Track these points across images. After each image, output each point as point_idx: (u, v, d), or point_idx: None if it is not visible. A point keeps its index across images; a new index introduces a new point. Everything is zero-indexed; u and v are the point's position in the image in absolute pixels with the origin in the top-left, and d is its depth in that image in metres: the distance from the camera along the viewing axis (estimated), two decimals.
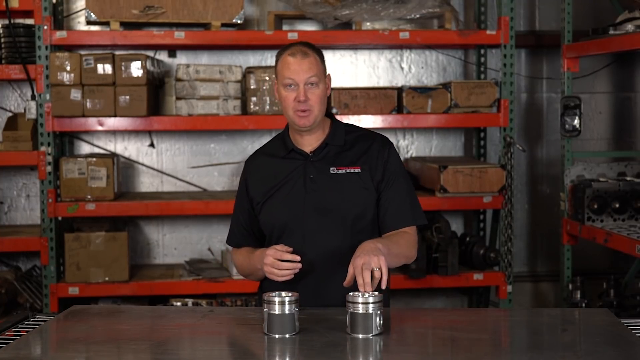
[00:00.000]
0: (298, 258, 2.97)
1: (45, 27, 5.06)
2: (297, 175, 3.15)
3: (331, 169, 3.15)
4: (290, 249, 3.00)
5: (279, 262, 2.97)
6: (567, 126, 5.24)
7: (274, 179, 3.17)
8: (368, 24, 5.36)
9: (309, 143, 3.18)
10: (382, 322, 2.68)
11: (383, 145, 3.21)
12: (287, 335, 2.69)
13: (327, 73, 3.19)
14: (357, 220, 3.12)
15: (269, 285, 3.08)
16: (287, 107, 3.11)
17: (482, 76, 5.79)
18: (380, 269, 2.80)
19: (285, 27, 5.66)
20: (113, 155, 5.51)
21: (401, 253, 3.09)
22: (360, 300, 2.67)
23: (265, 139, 5.79)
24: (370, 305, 2.66)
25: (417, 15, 5.36)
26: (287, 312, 2.69)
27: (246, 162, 3.31)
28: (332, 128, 3.22)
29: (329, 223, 3.10)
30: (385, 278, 2.80)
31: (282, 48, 3.17)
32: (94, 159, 5.17)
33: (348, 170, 3.15)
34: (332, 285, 3.02)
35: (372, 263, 2.80)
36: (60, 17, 5.55)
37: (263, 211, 3.18)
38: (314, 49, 3.15)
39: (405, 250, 3.12)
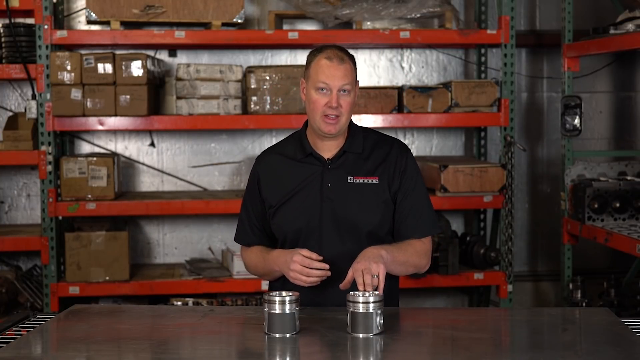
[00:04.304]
0: (327, 266, 2.92)
1: (46, 27, 5.06)
2: (314, 182, 3.08)
3: (349, 178, 3.08)
4: (321, 257, 2.94)
5: (308, 269, 2.92)
6: (567, 125, 5.24)
7: (290, 183, 3.09)
8: (368, 23, 5.36)
9: (327, 148, 3.10)
10: (382, 321, 2.68)
11: (401, 152, 3.13)
12: (288, 335, 2.68)
13: (357, 80, 3.09)
14: (373, 232, 3.07)
15: (281, 286, 3.05)
16: (316, 111, 3.01)
17: (483, 76, 5.78)
18: (378, 276, 2.78)
19: (285, 27, 5.65)
20: (113, 154, 5.51)
21: (408, 261, 3.05)
22: (360, 299, 2.67)
23: (265, 139, 5.81)
24: (371, 305, 2.66)
25: (418, 15, 5.36)
26: (287, 311, 2.68)
27: (258, 159, 3.20)
28: (351, 134, 3.12)
29: (345, 233, 3.05)
30: (382, 286, 2.79)
31: (315, 49, 3.07)
32: (95, 159, 5.17)
33: (366, 181, 3.07)
34: (345, 293, 2.90)
35: (371, 269, 2.79)
36: (60, 17, 5.56)
37: (277, 215, 3.10)
38: (349, 55, 3.05)
39: (415, 259, 3.08)
